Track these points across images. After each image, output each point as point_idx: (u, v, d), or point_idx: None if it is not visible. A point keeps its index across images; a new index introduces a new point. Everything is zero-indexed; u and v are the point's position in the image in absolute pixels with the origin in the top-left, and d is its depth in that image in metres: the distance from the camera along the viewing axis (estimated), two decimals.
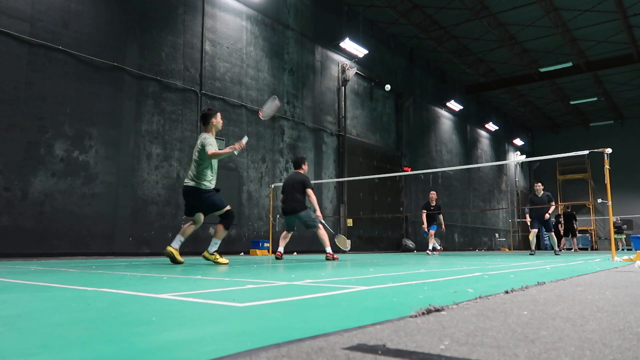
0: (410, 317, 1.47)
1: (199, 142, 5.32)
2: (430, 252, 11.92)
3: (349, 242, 8.68)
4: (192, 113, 10.33)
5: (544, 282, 2.77)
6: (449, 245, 20.89)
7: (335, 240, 9.45)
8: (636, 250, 9.41)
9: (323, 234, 7.52)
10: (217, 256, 5.35)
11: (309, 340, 1.13)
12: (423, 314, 1.52)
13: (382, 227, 16.37)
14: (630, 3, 15.45)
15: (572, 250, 18.31)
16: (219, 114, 5.57)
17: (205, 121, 5.51)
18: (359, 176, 13.83)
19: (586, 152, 7.55)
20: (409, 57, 19.17)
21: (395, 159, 17.58)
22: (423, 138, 19.75)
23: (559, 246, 15.46)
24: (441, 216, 12.54)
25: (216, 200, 5.32)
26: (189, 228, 5.41)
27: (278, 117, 12.53)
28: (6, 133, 7.44)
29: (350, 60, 15.36)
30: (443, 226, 12.74)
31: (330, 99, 14.62)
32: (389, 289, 2.46)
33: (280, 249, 7.54)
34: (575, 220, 18.01)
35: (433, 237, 12.21)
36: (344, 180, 13.65)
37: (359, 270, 4.16)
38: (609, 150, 6.92)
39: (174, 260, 5.20)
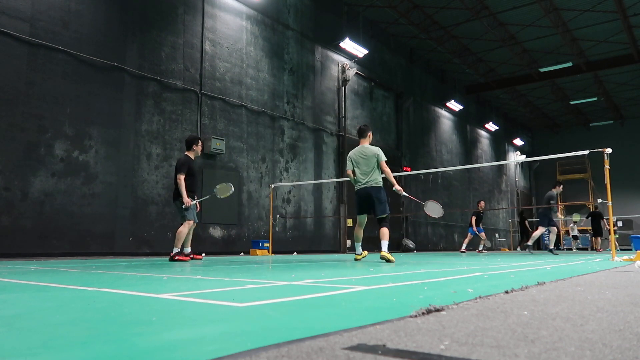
0: (410, 317, 1.47)
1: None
2: (480, 251, 14.59)
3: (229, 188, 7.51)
4: (192, 113, 10.33)
5: (544, 282, 2.77)
6: (449, 245, 20.89)
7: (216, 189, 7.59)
8: (636, 250, 9.40)
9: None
10: None
11: (309, 340, 1.13)
12: (423, 314, 1.52)
13: None
14: (630, 3, 15.45)
15: (598, 250, 18.18)
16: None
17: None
18: None
19: (586, 152, 7.55)
20: (409, 57, 19.17)
21: (395, 159, 17.57)
22: (423, 138, 19.75)
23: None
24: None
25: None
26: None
27: (278, 117, 12.53)
28: (6, 133, 7.44)
29: (350, 60, 15.36)
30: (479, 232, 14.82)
31: (330, 99, 14.61)
32: (389, 289, 2.46)
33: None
34: (602, 219, 18.01)
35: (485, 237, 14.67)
36: (344, 180, 13.64)
37: (359, 270, 4.16)
38: (609, 150, 6.91)
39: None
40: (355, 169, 6.56)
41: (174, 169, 7.09)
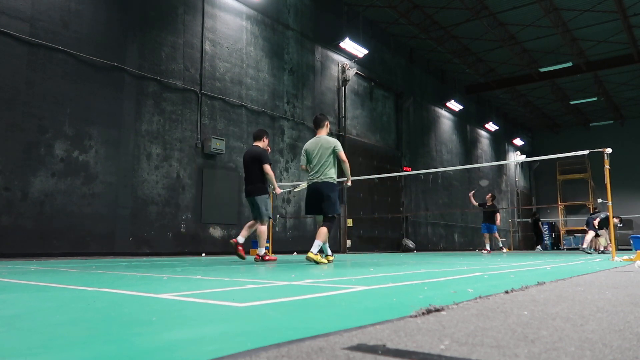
0: (410, 317, 1.47)
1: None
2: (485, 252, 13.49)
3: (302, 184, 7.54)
4: (192, 113, 10.33)
5: (544, 282, 2.77)
6: (449, 245, 20.88)
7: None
8: (636, 250, 9.40)
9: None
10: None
11: (309, 340, 1.13)
12: (423, 314, 1.52)
13: (382, 227, 16.37)
14: (630, 3, 15.44)
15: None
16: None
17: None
18: (359, 176, 13.80)
19: (586, 152, 7.54)
20: (409, 57, 19.16)
21: (395, 159, 17.58)
22: (423, 138, 19.75)
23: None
24: (497, 215, 13.87)
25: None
26: None
27: (278, 117, 12.53)
28: (6, 133, 7.44)
29: (350, 60, 15.36)
30: (498, 221, 13.84)
31: (330, 99, 14.62)
32: (389, 289, 2.46)
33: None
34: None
35: (487, 237, 13.80)
36: (344, 180, 13.63)
37: (359, 270, 4.16)
38: (609, 150, 6.91)
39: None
40: (309, 163, 5.94)
41: (247, 161, 6.59)
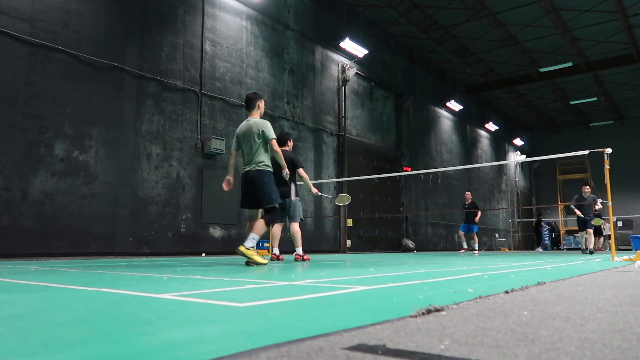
0: (410, 317, 1.47)
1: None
2: (462, 252, 13.07)
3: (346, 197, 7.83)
4: (192, 113, 10.33)
5: (544, 282, 2.77)
6: (449, 245, 20.88)
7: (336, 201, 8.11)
8: (636, 250, 9.40)
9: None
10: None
11: (309, 340, 1.13)
12: (423, 314, 1.51)
13: (382, 227, 16.37)
14: (630, 3, 15.45)
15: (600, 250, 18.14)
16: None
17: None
18: (359, 176, 13.84)
19: (586, 152, 7.54)
20: (409, 57, 19.17)
21: (395, 159, 17.58)
22: (423, 138, 19.75)
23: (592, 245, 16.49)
24: (479, 214, 13.38)
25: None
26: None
27: (278, 117, 12.53)
28: (6, 133, 7.44)
29: (350, 60, 15.36)
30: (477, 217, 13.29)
31: (330, 99, 14.62)
32: (389, 289, 2.46)
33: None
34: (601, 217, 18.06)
35: (462, 236, 13.30)
36: (344, 180, 13.66)
37: (359, 270, 4.16)
38: (609, 150, 6.91)
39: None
40: (239, 149, 5.42)
41: (283, 163, 6.34)
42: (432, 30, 17.35)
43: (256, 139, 5.20)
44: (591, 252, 11.46)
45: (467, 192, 14.03)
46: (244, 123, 5.39)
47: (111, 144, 8.80)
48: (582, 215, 11.60)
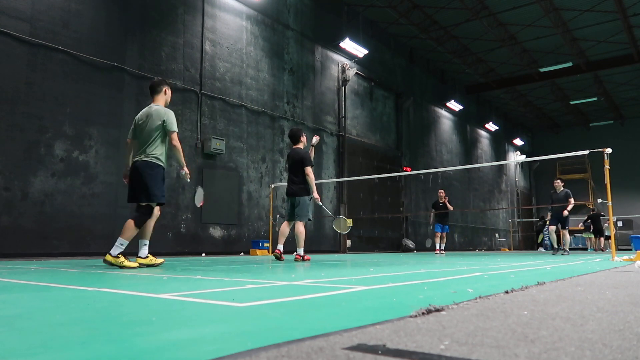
0: (410, 317, 1.47)
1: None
2: (438, 253, 12.45)
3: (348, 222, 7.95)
4: (192, 113, 10.33)
5: (544, 282, 2.77)
6: (449, 245, 20.89)
7: (333, 224, 8.36)
8: (636, 250, 9.40)
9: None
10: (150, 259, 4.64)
11: (309, 340, 1.13)
12: (423, 314, 1.52)
13: (382, 227, 16.37)
14: (630, 3, 15.45)
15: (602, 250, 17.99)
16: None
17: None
18: (359, 176, 13.84)
19: (586, 152, 7.55)
20: (409, 57, 19.17)
21: (395, 159, 17.58)
22: (423, 138, 19.75)
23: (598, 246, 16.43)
24: (450, 208, 12.92)
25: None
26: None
27: (278, 117, 12.53)
28: (6, 133, 7.44)
29: (350, 60, 15.36)
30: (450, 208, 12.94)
31: (330, 99, 14.62)
32: (389, 289, 2.46)
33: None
34: (602, 217, 18.04)
35: (438, 237, 12.75)
36: (344, 180, 13.66)
37: (359, 270, 4.16)
38: (609, 150, 6.91)
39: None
40: (135, 138, 4.72)
41: (292, 162, 6.65)
42: (432, 30, 17.35)
43: (155, 128, 4.58)
44: (561, 252, 10.90)
45: (440, 190, 13.38)
46: (144, 109, 4.77)
47: (111, 144, 8.80)
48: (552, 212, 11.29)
